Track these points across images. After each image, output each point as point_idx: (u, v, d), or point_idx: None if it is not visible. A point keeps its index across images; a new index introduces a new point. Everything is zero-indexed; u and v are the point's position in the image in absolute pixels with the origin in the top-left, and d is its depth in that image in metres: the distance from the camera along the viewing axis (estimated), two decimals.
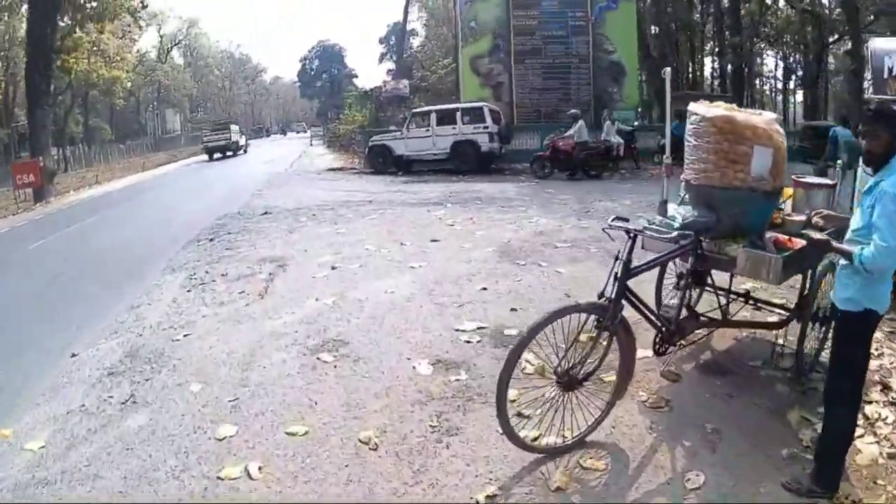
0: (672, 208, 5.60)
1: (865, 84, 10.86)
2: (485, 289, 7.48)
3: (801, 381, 5.15)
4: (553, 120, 25.75)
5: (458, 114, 22.83)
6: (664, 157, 13.43)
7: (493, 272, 8.22)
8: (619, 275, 4.27)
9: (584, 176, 20.19)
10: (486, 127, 22.33)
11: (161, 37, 75.42)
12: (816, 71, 45.73)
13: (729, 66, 49.17)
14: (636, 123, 26.36)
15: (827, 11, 42.86)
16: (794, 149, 32.06)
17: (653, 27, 37.79)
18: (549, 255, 9.23)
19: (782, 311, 5.75)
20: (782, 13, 50.89)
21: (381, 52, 71.26)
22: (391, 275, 8.36)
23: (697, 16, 49.53)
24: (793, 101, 75.25)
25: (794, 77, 67.97)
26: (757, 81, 63.33)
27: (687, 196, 5.40)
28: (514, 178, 20.65)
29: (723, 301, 5.48)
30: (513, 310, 6.73)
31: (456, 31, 28.08)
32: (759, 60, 60.93)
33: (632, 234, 4.56)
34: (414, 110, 25.37)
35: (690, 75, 51.51)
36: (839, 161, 15.72)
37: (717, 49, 52.06)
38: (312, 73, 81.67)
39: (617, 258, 4.31)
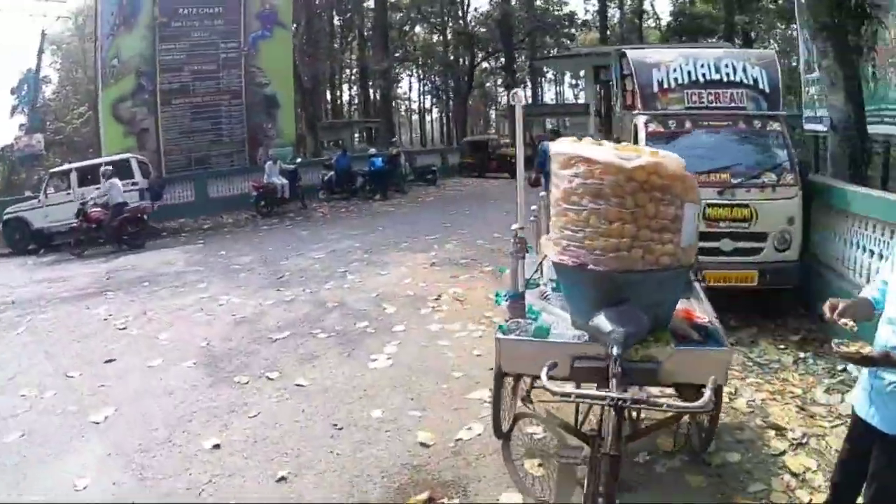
0: (537, 303, 4.54)
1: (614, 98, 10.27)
2: (217, 446, 5.15)
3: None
4: (206, 166, 23.36)
5: (103, 169, 18.51)
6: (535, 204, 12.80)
7: (211, 408, 5.95)
8: None
9: (125, 246, 16.63)
10: (136, 183, 18.93)
11: None
12: (467, 88, 47.65)
13: (376, 92, 49.75)
14: (299, 160, 24.70)
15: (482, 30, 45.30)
16: (460, 165, 33.84)
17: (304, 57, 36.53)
18: (271, 358, 7.23)
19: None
20: (419, 37, 52.96)
21: (13, 104, 62.60)
22: (71, 445, 5.37)
23: (337, 44, 49.63)
24: (429, 119, 79.62)
25: (431, 97, 71.69)
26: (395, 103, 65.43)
27: (556, 286, 4.58)
28: (176, 242, 17.56)
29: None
30: (281, 479, 4.61)
31: (95, 71, 23.95)
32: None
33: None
34: (51, 170, 20.70)
35: (330, 104, 51.57)
36: (548, 171, 17.21)
37: (358, 75, 52.74)
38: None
39: None
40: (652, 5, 65.04)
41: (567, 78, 79.16)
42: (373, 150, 27.35)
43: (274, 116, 25.71)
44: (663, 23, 61.34)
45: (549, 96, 72.99)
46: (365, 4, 48.66)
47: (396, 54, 46.57)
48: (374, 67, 41.70)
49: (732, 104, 8.70)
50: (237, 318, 8.92)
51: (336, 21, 49.20)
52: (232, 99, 24.49)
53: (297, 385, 6.36)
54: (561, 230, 3.86)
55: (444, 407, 5.78)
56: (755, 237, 7.70)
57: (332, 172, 24.74)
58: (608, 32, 52.00)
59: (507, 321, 4.22)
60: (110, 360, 7.43)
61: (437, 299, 9.55)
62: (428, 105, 75.52)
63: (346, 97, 62.60)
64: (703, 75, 8.80)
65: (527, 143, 38.41)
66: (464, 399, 5.92)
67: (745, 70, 8.75)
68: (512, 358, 4.10)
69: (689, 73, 8.81)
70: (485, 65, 52.57)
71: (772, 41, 42.71)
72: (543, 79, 69.28)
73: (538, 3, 44.01)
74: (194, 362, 7.18)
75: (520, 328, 4.10)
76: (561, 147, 4.00)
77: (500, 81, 74.14)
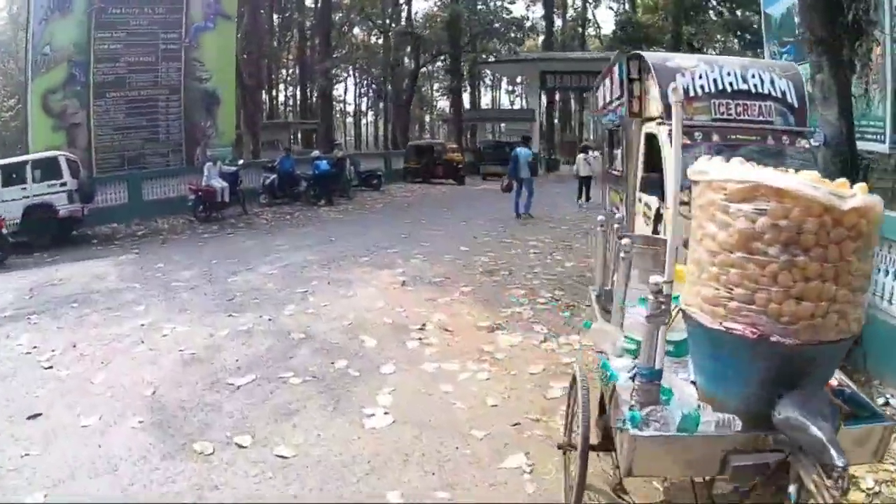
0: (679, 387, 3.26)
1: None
2: None
3: None
4: (140, 165, 21.57)
5: (28, 168, 17.03)
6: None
7: (171, 493, 4.48)
8: None
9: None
10: (65, 184, 17.01)
11: None
12: (410, 91, 46.37)
13: (313, 93, 48.19)
14: (241, 161, 23.18)
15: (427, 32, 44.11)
16: (405, 170, 32.80)
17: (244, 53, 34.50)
18: (237, 414, 5.81)
19: None
20: (357, 38, 51.47)
21: None
22: None
23: (276, 42, 47.93)
24: (364, 122, 78.36)
25: (367, 99, 70.35)
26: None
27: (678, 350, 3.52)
28: (107, 250, 15.56)
29: None
30: None
31: (26, 60, 21.56)
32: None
33: None
34: None
35: (266, 104, 49.69)
36: (522, 177, 18.37)
37: (296, 75, 51.02)
38: None
39: None
40: (594, 14, 65.12)
41: (504, 84, 79.22)
42: (317, 153, 26.07)
43: (214, 114, 23.94)
44: (604, 32, 61.92)
45: (484, 101, 72.68)
46: (307, 2, 47.21)
47: (336, 55, 44.94)
48: (316, 66, 40.21)
49: (761, 118, 7.85)
50: (186, 355, 7.39)
51: (275, 18, 47.49)
52: (170, 94, 22.65)
53: (279, 456, 4.96)
54: (726, 286, 2.82)
55: (478, 483, 4.54)
56: None
57: (274, 175, 23.08)
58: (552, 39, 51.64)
59: (633, 406, 3.06)
60: (34, 416, 5.79)
61: (421, 329, 8.30)
62: (364, 108, 74.37)
63: (281, 97, 60.96)
64: (731, 84, 7.87)
65: (470, 149, 37.58)
66: (498, 470, 4.70)
67: (772, 82, 7.92)
68: (650, 459, 2.96)
69: (714, 80, 7.86)
70: (423, 69, 51.46)
71: (714, 53, 42.82)
72: (481, 84, 68.74)
73: (482, 7, 42.96)
74: (140, 420, 5.65)
75: (658, 419, 2.93)
76: (726, 170, 2.87)
77: (436, 86, 73.67)
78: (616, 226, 4.60)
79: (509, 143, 35.91)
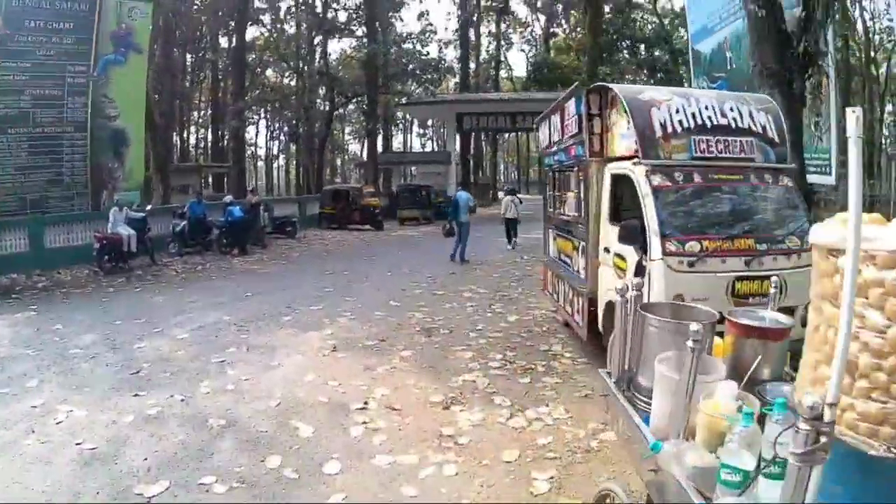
0: None
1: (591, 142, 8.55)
2: None
3: None
4: (42, 209, 19.78)
5: None
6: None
7: None
8: None
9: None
10: None
11: None
12: (325, 133, 45.31)
13: (224, 135, 46.61)
14: (148, 207, 21.35)
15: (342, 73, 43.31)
16: (320, 216, 31.51)
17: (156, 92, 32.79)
18: None
19: None
20: (269, 79, 50.29)
21: None
22: None
23: (188, 82, 46.38)
24: (276, 165, 76.59)
25: (278, 142, 68.70)
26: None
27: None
28: (3, 306, 13.42)
29: None
30: None
31: None
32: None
33: None
34: None
35: (177, 146, 47.90)
36: (462, 221, 18.42)
37: (208, 117, 49.39)
38: None
39: None
40: (505, 56, 65.61)
41: (415, 126, 79.02)
42: (229, 198, 24.19)
43: (122, 155, 22.12)
44: (516, 74, 62.44)
45: (396, 144, 72.13)
46: (221, 42, 45.84)
47: (247, 97, 43.52)
48: (230, 107, 38.83)
49: (742, 154, 7.23)
50: (86, 451, 6.01)
51: (188, 57, 45.93)
52: (75, 131, 20.78)
53: None
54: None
55: None
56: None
57: (184, 222, 21.23)
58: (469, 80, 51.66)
59: None
60: None
61: (363, 408, 7.13)
62: (275, 151, 72.78)
63: (192, 139, 58.92)
64: (710, 118, 7.19)
65: (385, 193, 36.59)
66: None
67: (751, 116, 7.32)
68: None
69: (693, 115, 7.16)
70: (337, 111, 50.59)
71: None
72: (394, 126, 68.22)
73: (395, 49, 42.43)
74: None
75: None
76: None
77: (348, 129, 72.81)
78: (635, 293, 3.64)
79: (424, 186, 35.52)
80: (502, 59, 63.25)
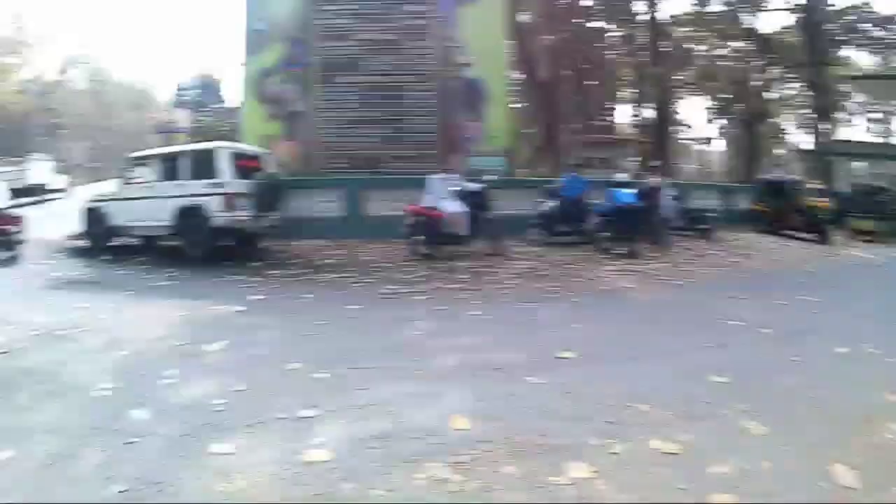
0: None
1: None
2: None
3: None
4: (377, 171, 15.79)
5: (185, 161, 12.43)
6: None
7: None
8: None
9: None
10: (221, 185, 11.82)
11: (56, 58, 67.47)
12: (760, 113, 36.51)
13: (648, 107, 40.09)
14: (492, 177, 14.90)
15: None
16: (749, 213, 20.84)
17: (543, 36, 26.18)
18: None
19: None
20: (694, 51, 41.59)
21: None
22: None
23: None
24: (711, 151, 65.09)
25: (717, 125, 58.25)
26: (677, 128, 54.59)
27: None
28: (259, 283, 9.51)
29: None
30: None
31: (239, 37, 17.25)
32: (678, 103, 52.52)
33: None
34: (133, 154, 14.32)
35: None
36: None
37: (635, 88, 42.61)
38: (192, 105, 70.26)
39: None
40: None
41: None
42: (623, 176, 16.52)
43: (479, 110, 17.05)
44: None
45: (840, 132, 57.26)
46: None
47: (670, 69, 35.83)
48: (649, 73, 32.45)
49: None
50: None
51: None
52: (418, 81, 16.52)
53: None
54: None
55: None
56: None
57: (554, 202, 14.64)
58: None
59: None
60: None
61: None
62: (712, 135, 61.71)
63: (619, 114, 52.14)
64: None
65: (829, 194, 23.38)
66: None
67: None
68: None
69: None
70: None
71: None
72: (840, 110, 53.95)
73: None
74: None
75: None
76: None
77: (785, 114, 59.30)
78: None
79: (887, 189, 23.62)
80: None
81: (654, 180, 15.58)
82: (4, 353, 5.91)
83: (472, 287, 9.48)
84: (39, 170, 32.64)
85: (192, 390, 4.90)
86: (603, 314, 7.76)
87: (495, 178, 15.01)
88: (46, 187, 31.92)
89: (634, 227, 13.47)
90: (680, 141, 56.42)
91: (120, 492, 3.38)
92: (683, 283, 10.36)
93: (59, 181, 34.45)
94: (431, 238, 12.30)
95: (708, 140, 58.30)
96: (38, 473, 3.64)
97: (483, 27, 16.69)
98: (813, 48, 30.73)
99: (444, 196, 12.46)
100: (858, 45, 33.54)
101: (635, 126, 42.79)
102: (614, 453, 3.73)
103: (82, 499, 3.39)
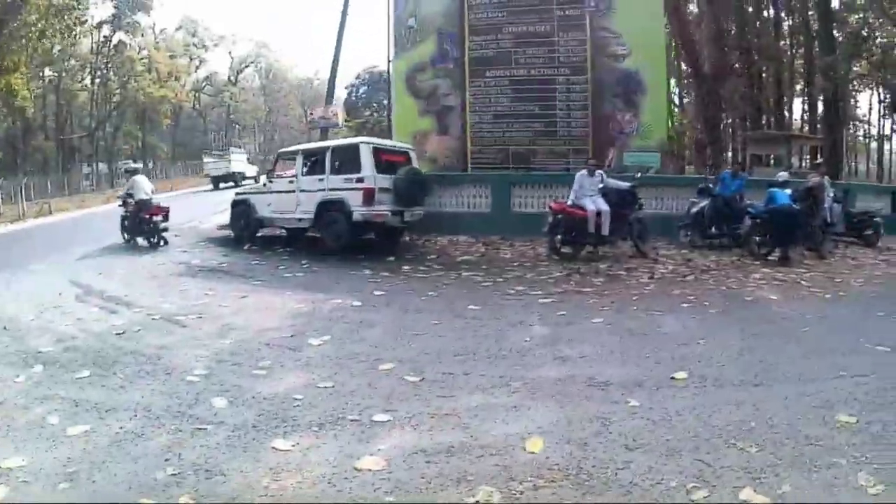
0: None
1: None
2: None
3: None
4: (528, 166, 15.42)
5: (328, 156, 12.75)
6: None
7: None
8: None
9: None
10: (362, 179, 11.94)
11: (231, 58, 72.15)
12: None
13: (819, 101, 36.84)
14: (640, 175, 13.88)
15: None
16: None
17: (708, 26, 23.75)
18: None
19: None
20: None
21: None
22: None
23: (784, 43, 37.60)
24: (888, 148, 57.46)
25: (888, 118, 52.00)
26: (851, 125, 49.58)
27: None
28: (416, 280, 9.52)
29: None
30: None
31: (388, 33, 17.50)
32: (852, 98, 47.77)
33: None
34: (281, 150, 14.85)
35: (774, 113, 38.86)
36: None
37: (805, 81, 39.20)
38: (359, 101, 72.78)
39: None
40: None
41: None
42: (784, 175, 14.03)
43: (636, 104, 15.99)
44: None
45: None
46: None
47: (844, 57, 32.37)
48: (819, 63, 29.79)
49: None
50: None
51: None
52: (572, 74, 15.81)
53: None
54: None
55: None
56: None
57: (705, 202, 13.43)
58: None
59: None
60: None
61: None
62: (888, 130, 54.94)
63: (795, 109, 47.94)
64: None
65: None
66: None
67: None
68: None
69: None
70: None
71: None
72: None
73: None
74: None
75: None
76: None
77: None
78: None
79: None
80: None
81: (815, 180, 13.88)
82: (119, 334, 6.20)
83: (604, 291, 8.96)
84: (237, 160, 36.67)
85: (278, 383, 4.94)
86: (735, 328, 6.87)
87: (646, 174, 14.39)
88: (245, 175, 35.66)
89: (790, 231, 12.14)
90: (854, 138, 51.02)
91: (171, 475, 3.41)
92: (834, 296, 9.04)
93: (252, 170, 37.81)
94: (572, 237, 11.86)
95: (884, 137, 52.25)
96: (104, 449, 3.77)
97: (641, 15, 15.79)
98: None
99: (589, 193, 11.90)
100: None
101: (807, 122, 39.52)
102: (693, 501, 3.17)
103: (133, 477, 3.41)
